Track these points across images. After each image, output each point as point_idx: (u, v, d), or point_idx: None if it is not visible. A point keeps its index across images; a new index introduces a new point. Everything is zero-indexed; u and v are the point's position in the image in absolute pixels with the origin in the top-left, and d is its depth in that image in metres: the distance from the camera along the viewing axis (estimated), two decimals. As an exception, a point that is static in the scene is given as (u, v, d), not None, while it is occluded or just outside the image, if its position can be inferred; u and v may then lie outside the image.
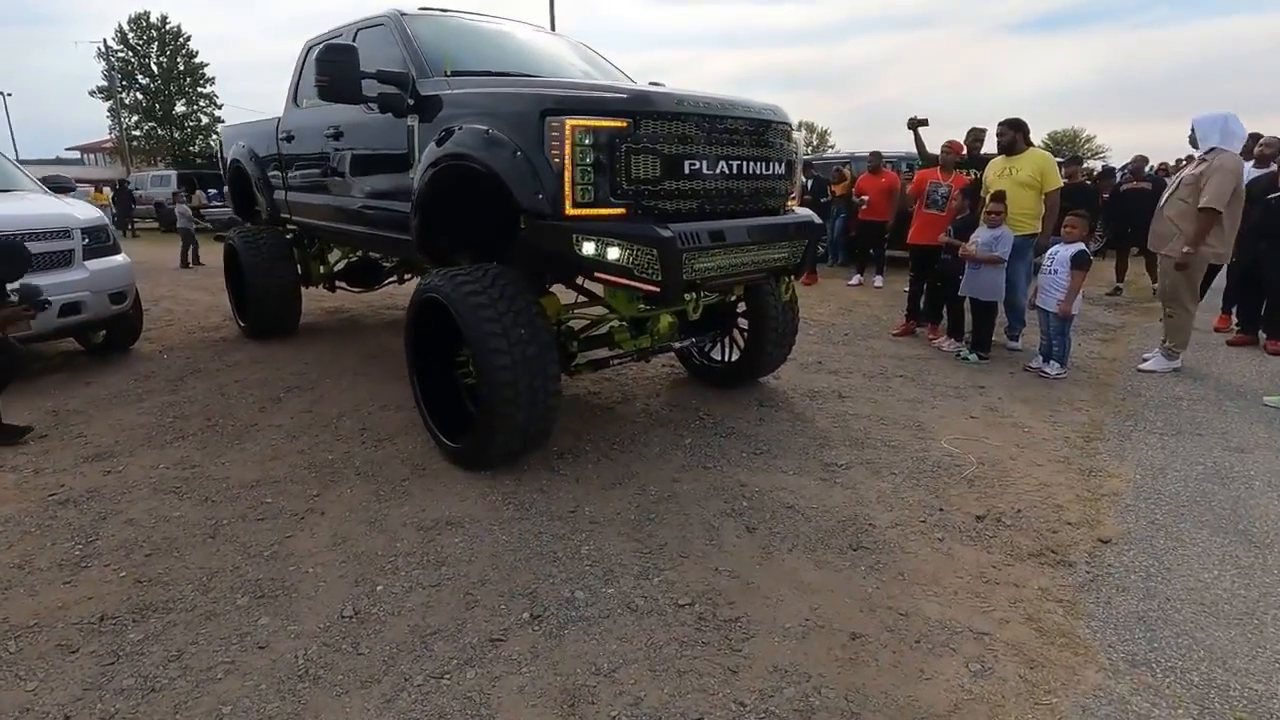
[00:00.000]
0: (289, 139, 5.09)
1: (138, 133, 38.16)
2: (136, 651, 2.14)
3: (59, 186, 6.08)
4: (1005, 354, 5.63)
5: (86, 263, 4.97)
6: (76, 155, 61.20)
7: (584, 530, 2.85)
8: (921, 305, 6.31)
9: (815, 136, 67.68)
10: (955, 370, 5.18)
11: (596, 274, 2.97)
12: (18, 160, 5.93)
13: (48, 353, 5.63)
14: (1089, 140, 58.57)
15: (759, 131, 3.33)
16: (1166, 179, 8.09)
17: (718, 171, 3.14)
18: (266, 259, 5.71)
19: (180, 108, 38.68)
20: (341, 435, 3.87)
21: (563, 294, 3.88)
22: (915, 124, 6.61)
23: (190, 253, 12.36)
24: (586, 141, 2.83)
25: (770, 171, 3.42)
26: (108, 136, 40.79)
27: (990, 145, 6.17)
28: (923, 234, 6.03)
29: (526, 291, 3.18)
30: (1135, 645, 2.17)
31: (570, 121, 2.81)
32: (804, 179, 10.34)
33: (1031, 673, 2.05)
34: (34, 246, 4.67)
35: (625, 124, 2.85)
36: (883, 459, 3.56)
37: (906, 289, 6.60)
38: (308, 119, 4.87)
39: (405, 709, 1.92)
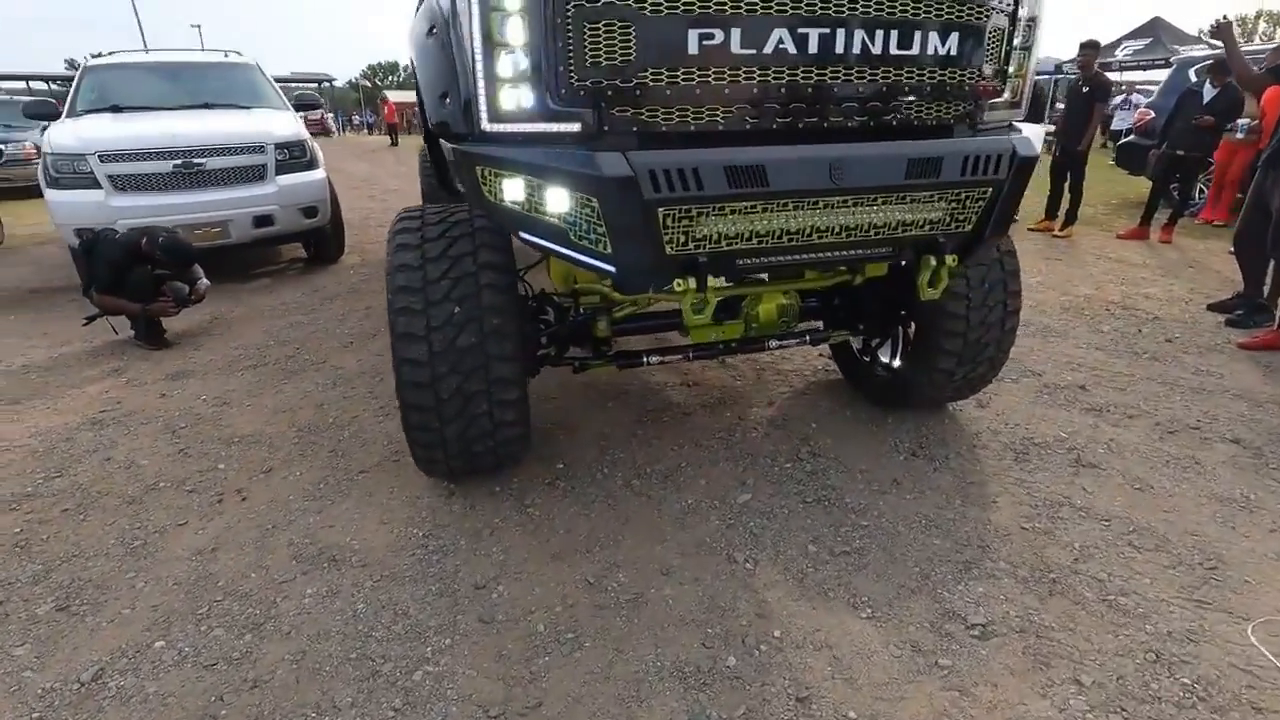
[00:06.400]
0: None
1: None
2: (-103, 650, 1.86)
3: (305, 104, 6.58)
4: None
5: (278, 178, 5.23)
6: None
7: (455, 634, 1.86)
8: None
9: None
10: (1377, 446, 2.69)
11: (522, 237, 1.80)
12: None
13: (278, 258, 6.29)
14: None
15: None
16: None
17: (769, 50, 1.65)
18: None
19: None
20: (372, 393, 3.38)
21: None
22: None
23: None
24: (506, 3, 1.62)
25: (910, 49, 1.76)
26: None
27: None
28: None
29: (488, 247, 2.14)
30: None
31: (475, -33, 1.62)
32: (1212, 84, 6.32)
33: None
34: (228, 161, 5.05)
35: (566, -36, 1.56)
36: (1078, 640, 1.80)
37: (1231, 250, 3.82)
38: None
39: None
